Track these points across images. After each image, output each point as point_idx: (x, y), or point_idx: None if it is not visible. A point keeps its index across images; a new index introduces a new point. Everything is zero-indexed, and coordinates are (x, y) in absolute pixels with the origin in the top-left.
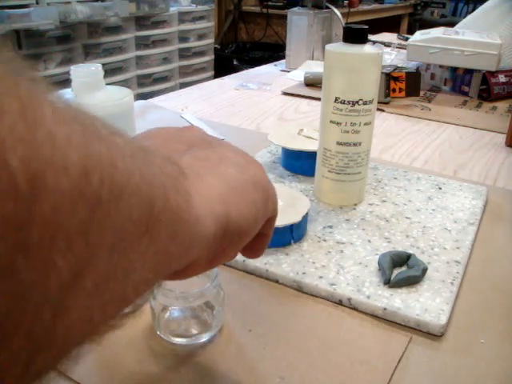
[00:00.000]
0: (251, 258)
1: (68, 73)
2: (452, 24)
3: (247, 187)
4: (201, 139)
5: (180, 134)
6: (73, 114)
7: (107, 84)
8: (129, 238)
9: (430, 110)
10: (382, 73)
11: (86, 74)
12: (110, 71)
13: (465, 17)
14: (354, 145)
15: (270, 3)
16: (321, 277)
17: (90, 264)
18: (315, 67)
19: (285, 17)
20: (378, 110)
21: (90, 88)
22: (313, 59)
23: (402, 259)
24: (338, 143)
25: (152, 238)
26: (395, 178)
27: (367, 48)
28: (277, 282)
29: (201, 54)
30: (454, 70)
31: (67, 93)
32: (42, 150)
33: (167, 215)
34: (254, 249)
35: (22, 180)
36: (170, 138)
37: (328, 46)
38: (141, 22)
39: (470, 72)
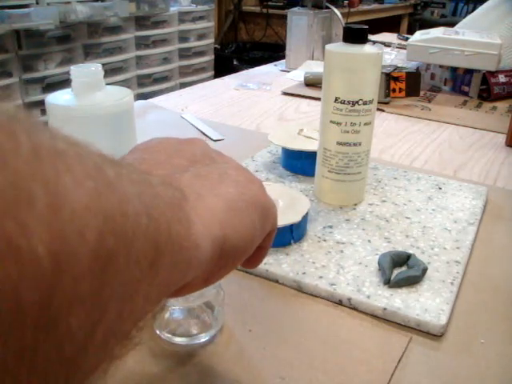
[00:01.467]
0: (248, 268)
1: (68, 73)
2: (452, 24)
3: (246, 208)
4: (203, 154)
5: (182, 148)
6: (85, 167)
7: (107, 84)
8: (135, 284)
9: (429, 110)
10: (382, 73)
11: (85, 74)
12: (109, 71)
13: (465, 17)
14: (354, 145)
15: (270, 3)
16: (321, 277)
17: (101, 320)
18: (315, 67)
19: (285, 17)
20: (378, 109)
21: (90, 88)
22: (313, 59)
23: (401, 259)
24: (338, 143)
25: (155, 274)
26: (395, 178)
27: (367, 48)
28: (277, 281)
29: (201, 53)
30: (453, 70)
31: (67, 93)
32: (64, 229)
33: (169, 247)
34: (251, 261)
35: (46, 264)
36: (172, 153)
37: (328, 46)
38: (141, 22)
39: (470, 72)
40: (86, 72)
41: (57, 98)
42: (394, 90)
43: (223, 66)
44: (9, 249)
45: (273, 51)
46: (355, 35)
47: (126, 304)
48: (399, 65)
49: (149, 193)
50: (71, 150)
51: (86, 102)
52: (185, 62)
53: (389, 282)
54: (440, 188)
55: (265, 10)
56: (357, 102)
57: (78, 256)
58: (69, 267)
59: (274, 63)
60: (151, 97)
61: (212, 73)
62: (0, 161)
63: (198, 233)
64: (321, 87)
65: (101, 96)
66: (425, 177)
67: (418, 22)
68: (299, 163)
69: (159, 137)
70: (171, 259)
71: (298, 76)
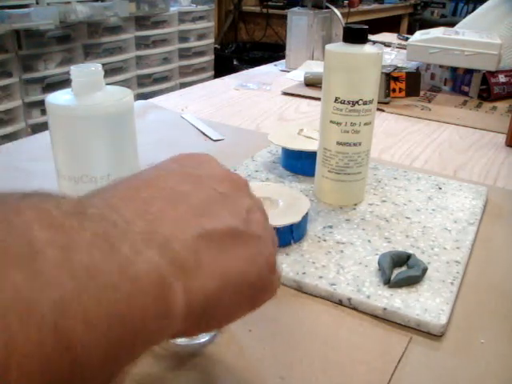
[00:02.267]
0: None
1: (68, 73)
2: (452, 24)
3: (242, 289)
4: (249, 210)
5: (224, 197)
6: (70, 267)
7: (107, 84)
8: (122, 367)
9: (429, 109)
10: (382, 73)
11: (85, 74)
12: (110, 71)
13: (465, 17)
14: (354, 145)
15: (270, 3)
16: (321, 277)
17: None
18: (315, 67)
19: (285, 17)
20: (378, 109)
21: (90, 88)
22: (313, 59)
23: (401, 259)
24: (338, 143)
25: (139, 347)
26: (395, 178)
27: (367, 48)
28: None
29: (201, 53)
30: (454, 70)
31: (67, 93)
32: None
33: (142, 346)
34: None
35: None
36: (212, 201)
37: (328, 46)
38: (141, 22)
39: (470, 72)
40: (85, 72)
41: (57, 98)
42: (394, 90)
43: (223, 66)
44: None
45: (273, 51)
46: (355, 35)
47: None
48: (399, 65)
49: (132, 274)
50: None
51: (86, 102)
52: (185, 62)
53: (389, 282)
54: (440, 188)
55: (265, 10)
56: (357, 102)
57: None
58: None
59: (274, 63)
60: (151, 97)
61: (212, 73)
62: None
63: (181, 309)
64: (321, 87)
65: (101, 96)
66: (425, 177)
67: (418, 22)
68: (299, 163)
69: (204, 160)
70: (154, 334)
71: (298, 76)
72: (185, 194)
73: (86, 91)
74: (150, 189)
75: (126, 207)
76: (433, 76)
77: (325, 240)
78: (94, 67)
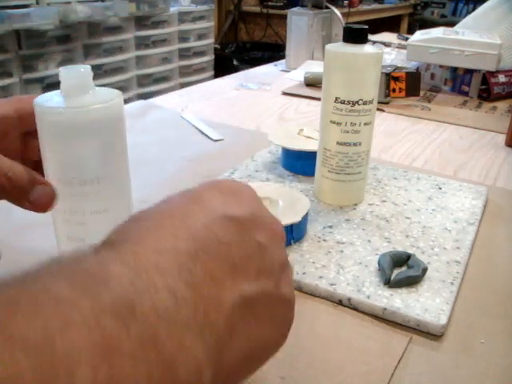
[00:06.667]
0: None
1: None
2: (452, 24)
3: (260, 354)
4: (277, 265)
5: (261, 252)
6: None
7: (107, 84)
8: None
9: (429, 109)
10: (382, 73)
11: (74, 76)
12: (109, 71)
13: (465, 17)
14: (354, 145)
15: (270, 3)
16: (321, 277)
17: None
18: (315, 67)
19: (285, 17)
20: (378, 109)
21: (79, 90)
22: (313, 59)
23: (401, 259)
24: (338, 143)
25: None
26: (395, 178)
27: (367, 48)
28: None
29: (201, 53)
30: (454, 70)
31: (56, 94)
32: None
33: None
34: None
35: None
36: (246, 255)
37: (328, 46)
38: (141, 22)
39: (470, 72)
40: (74, 73)
41: (45, 100)
42: (394, 90)
43: (223, 66)
44: None
45: (273, 51)
46: (355, 35)
47: None
48: (399, 65)
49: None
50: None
51: (75, 103)
52: (185, 62)
53: (389, 282)
54: (440, 188)
55: (265, 10)
56: (357, 102)
57: None
58: None
59: (274, 63)
60: (151, 97)
61: (212, 73)
62: None
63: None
64: (321, 87)
65: (90, 98)
66: (425, 177)
67: (418, 22)
68: (299, 163)
69: (245, 194)
70: None
71: (298, 76)
72: (227, 246)
73: (74, 93)
74: (192, 240)
75: (169, 271)
76: (433, 76)
77: (325, 240)
78: (84, 68)
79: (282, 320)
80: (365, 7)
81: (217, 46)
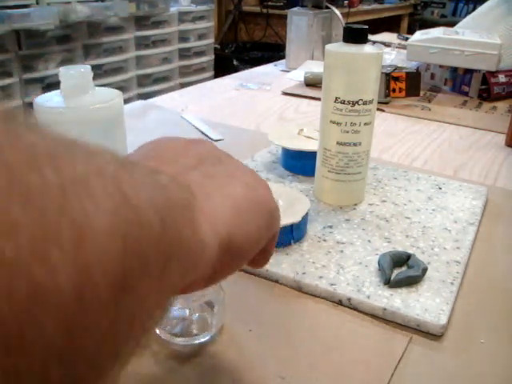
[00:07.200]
0: (253, 268)
1: None
2: (452, 24)
3: (253, 209)
4: (211, 154)
5: (190, 148)
6: (104, 183)
7: (107, 84)
8: (147, 295)
9: (429, 109)
10: (382, 73)
11: (74, 76)
12: (109, 71)
13: (465, 17)
14: (354, 145)
15: (270, 3)
16: (321, 277)
17: (112, 340)
18: (315, 67)
19: (285, 17)
20: (378, 109)
21: (79, 90)
22: (313, 59)
23: (401, 259)
24: (338, 143)
25: (165, 279)
26: (395, 178)
27: (367, 48)
28: (277, 281)
29: (201, 53)
30: (454, 70)
31: (56, 94)
32: (88, 263)
33: (178, 252)
34: (256, 262)
35: (71, 300)
36: (180, 152)
37: (328, 46)
38: (141, 22)
39: (470, 72)
40: (74, 73)
41: (45, 100)
42: (394, 90)
43: (223, 66)
44: (35, 293)
45: (273, 51)
46: (355, 35)
47: (137, 316)
48: (399, 65)
49: (160, 196)
50: (90, 169)
51: (75, 103)
52: (185, 62)
53: (389, 282)
54: (440, 188)
55: (265, 10)
56: (357, 102)
57: (100, 287)
58: (91, 298)
59: (274, 63)
60: (151, 97)
61: (212, 73)
62: (27, 200)
63: (205, 234)
64: (321, 87)
65: (89, 98)
66: (425, 177)
67: (418, 22)
68: (299, 163)
69: (167, 136)
70: (180, 263)
71: (298, 76)
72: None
73: (74, 93)
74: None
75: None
76: (433, 76)
77: (325, 240)
78: (84, 69)
79: (250, 183)
80: (365, 7)
81: (217, 45)
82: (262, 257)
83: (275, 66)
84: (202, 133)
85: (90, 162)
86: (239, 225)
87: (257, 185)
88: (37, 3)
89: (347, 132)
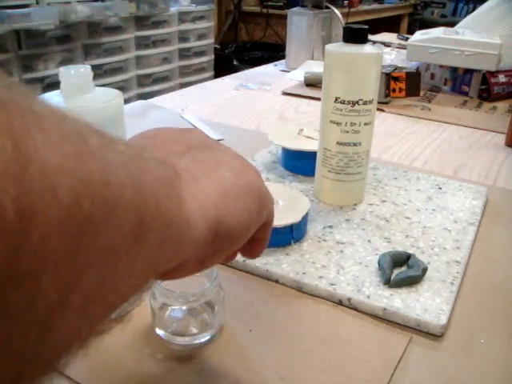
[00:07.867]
0: (250, 258)
1: None
2: (452, 24)
3: (242, 193)
4: (200, 142)
5: (180, 136)
6: (64, 131)
7: (106, 85)
8: (118, 253)
9: (429, 109)
10: (382, 73)
11: (74, 76)
12: (109, 71)
13: (465, 17)
14: (354, 145)
15: (270, 3)
16: (321, 277)
17: (77, 284)
18: (315, 67)
19: (285, 17)
20: (378, 109)
21: (79, 90)
22: (313, 59)
23: (401, 259)
24: (338, 143)
25: (142, 246)
26: (395, 178)
27: (367, 48)
28: (277, 282)
29: (201, 53)
30: (454, 70)
31: (56, 94)
32: (33, 185)
33: (158, 221)
34: (252, 251)
35: (12, 217)
36: (169, 139)
37: (328, 46)
38: (141, 22)
39: (470, 72)
40: (74, 73)
41: (45, 100)
42: (394, 90)
43: (223, 66)
44: None
45: (273, 51)
46: (355, 35)
47: (108, 272)
48: (399, 65)
49: (137, 165)
50: (52, 114)
51: (75, 103)
52: (185, 62)
53: (389, 282)
54: (440, 188)
55: (265, 10)
56: (357, 102)
57: (48, 214)
58: (37, 224)
59: (274, 63)
60: (151, 97)
61: (212, 73)
62: None
63: (191, 211)
64: (321, 87)
65: (90, 98)
66: (425, 177)
67: (418, 22)
68: (299, 163)
69: (158, 127)
70: (160, 234)
71: (298, 76)
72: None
73: (74, 93)
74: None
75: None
76: (433, 76)
77: (325, 240)
78: (84, 68)
79: (239, 168)
80: (365, 7)
81: (217, 46)
82: (257, 245)
83: (275, 65)
84: None
85: (55, 111)
86: (228, 207)
87: (246, 170)
88: (37, 3)
89: (347, 132)
